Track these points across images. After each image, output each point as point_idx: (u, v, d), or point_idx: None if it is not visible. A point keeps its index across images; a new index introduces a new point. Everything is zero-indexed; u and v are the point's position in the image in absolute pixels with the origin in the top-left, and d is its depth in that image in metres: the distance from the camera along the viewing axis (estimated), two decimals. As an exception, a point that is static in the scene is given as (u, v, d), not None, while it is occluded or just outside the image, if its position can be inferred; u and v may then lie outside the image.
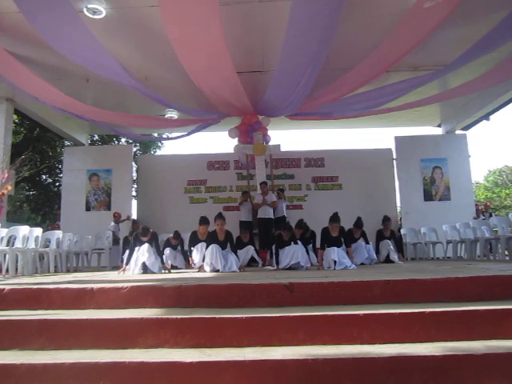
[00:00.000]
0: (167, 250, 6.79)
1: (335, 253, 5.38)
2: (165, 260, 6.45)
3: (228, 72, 5.81)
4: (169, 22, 4.65)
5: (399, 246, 7.41)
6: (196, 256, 6.35)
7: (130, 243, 5.80)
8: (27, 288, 3.02)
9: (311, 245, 6.68)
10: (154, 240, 5.58)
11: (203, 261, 5.58)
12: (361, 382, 2.03)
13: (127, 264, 5.43)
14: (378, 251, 6.97)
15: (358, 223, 6.62)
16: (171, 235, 7.12)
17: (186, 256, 6.83)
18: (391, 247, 6.93)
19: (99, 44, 5.09)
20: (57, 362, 2.11)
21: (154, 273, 5.27)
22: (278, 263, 5.61)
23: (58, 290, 2.96)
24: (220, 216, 5.68)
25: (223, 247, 5.54)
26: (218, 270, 5.29)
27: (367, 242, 6.79)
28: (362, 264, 6.34)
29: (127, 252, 5.84)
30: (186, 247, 6.99)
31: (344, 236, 5.75)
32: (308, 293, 2.81)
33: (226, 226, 5.71)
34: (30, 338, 2.39)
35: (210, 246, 5.43)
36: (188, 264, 6.68)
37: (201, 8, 4.40)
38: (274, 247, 6.00)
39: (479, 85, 6.56)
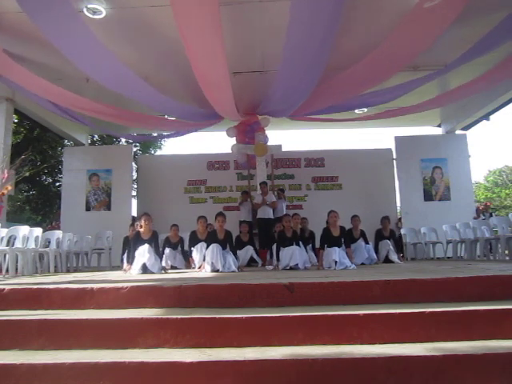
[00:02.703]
0: (167, 250, 6.79)
1: (336, 253, 5.38)
2: (164, 260, 6.45)
3: (222, 75, 5.77)
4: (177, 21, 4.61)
5: (399, 245, 7.40)
6: (196, 256, 6.35)
7: (131, 242, 5.80)
8: (27, 288, 3.02)
9: (310, 245, 6.68)
10: (154, 239, 5.58)
11: (204, 260, 5.59)
12: (361, 382, 2.03)
13: (131, 263, 5.41)
14: (377, 251, 6.98)
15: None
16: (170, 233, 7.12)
17: (186, 256, 6.83)
18: (391, 247, 6.93)
19: (102, 46, 5.07)
20: (57, 361, 2.11)
21: (153, 273, 5.27)
22: (278, 260, 5.61)
23: (57, 290, 2.96)
24: (221, 214, 5.73)
25: (223, 247, 5.56)
26: (218, 270, 5.29)
27: (367, 242, 6.78)
28: (363, 264, 6.34)
29: (127, 252, 5.84)
30: (185, 247, 7.00)
31: (344, 236, 5.75)
32: (308, 293, 2.81)
33: (225, 226, 5.72)
34: (30, 338, 2.39)
35: (211, 246, 5.44)
36: (188, 264, 6.67)
37: (201, 8, 4.39)
38: (274, 246, 6.00)
39: (481, 86, 6.54)
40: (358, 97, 7.07)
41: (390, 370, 2.03)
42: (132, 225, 7.47)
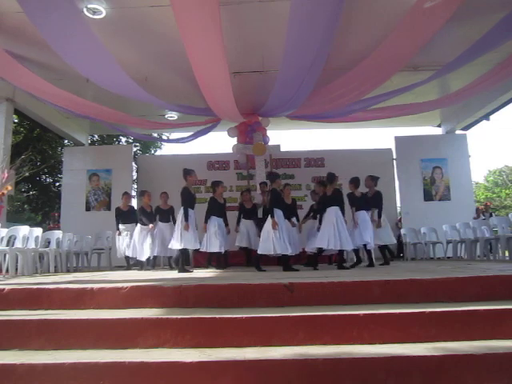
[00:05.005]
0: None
1: (335, 228, 5.42)
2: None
3: (222, 76, 5.77)
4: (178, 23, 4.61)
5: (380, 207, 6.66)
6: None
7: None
8: (27, 288, 3.02)
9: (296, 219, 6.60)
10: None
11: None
12: (361, 382, 2.03)
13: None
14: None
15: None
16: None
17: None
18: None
19: (101, 46, 5.06)
20: (57, 362, 2.11)
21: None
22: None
23: (58, 290, 2.96)
24: (221, 182, 6.76)
25: (223, 211, 6.56)
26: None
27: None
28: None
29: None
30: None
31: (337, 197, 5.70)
32: (308, 293, 2.81)
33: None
34: (29, 337, 2.39)
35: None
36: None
37: (201, 8, 4.38)
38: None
39: (481, 87, 6.53)
40: (355, 102, 7.07)
41: (389, 370, 2.03)
42: (125, 194, 7.61)
